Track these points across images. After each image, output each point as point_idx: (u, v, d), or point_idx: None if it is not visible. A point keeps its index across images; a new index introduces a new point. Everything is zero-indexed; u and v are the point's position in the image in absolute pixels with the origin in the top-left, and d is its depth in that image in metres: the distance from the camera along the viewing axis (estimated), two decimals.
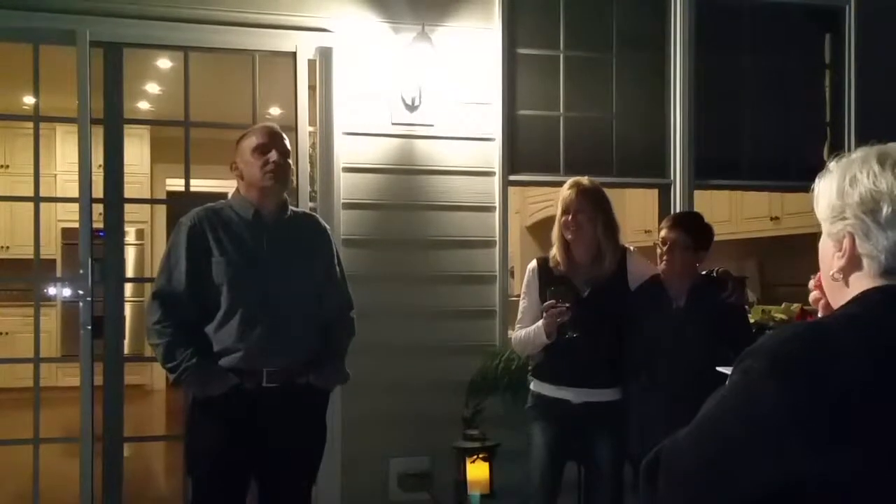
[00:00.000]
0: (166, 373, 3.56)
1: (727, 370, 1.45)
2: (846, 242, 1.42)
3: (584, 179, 4.02)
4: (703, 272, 4.04)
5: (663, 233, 3.96)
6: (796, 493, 1.29)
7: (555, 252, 4.00)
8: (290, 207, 3.73)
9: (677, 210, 5.31)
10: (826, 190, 1.48)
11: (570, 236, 3.93)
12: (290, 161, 3.64)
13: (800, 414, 1.29)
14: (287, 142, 3.63)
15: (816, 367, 1.31)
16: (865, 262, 1.41)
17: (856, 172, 1.43)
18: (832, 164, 1.48)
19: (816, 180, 1.51)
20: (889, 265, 1.39)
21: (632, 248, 4.13)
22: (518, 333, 4.07)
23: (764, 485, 1.30)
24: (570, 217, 3.91)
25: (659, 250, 3.97)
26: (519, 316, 4.11)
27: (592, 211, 3.93)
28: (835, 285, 1.47)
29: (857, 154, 1.46)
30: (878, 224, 1.38)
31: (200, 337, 3.46)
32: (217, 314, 3.45)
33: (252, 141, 3.55)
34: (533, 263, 4.13)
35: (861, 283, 1.43)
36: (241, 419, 3.43)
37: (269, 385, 3.45)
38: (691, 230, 3.96)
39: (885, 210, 1.38)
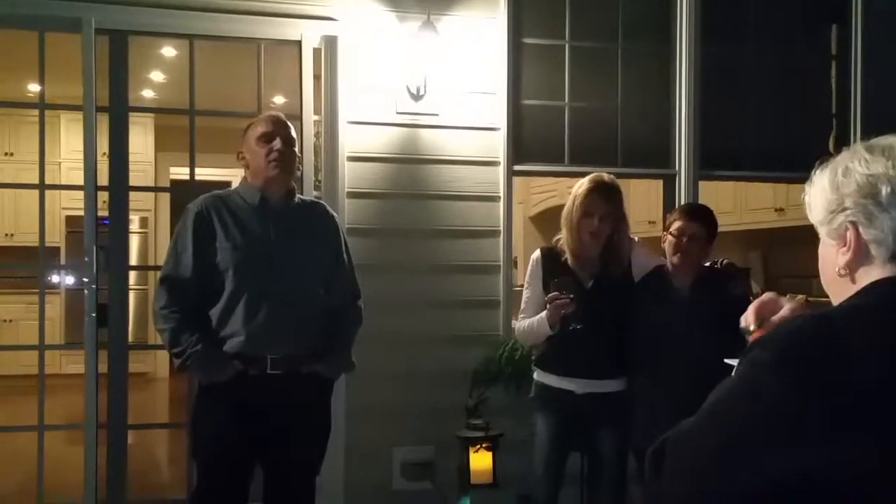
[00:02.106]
0: (170, 359, 3.58)
1: (734, 362, 1.46)
2: (850, 234, 1.42)
3: (605, 177, 3.97)
4: (707, 263, 4.05)
5: (679, 224, 3.93)
6: (802, 484, 1.29)
7: (565, 242, 3.98)
8: (298, 196, 3.74)
9: (682, 201, 5.30)
10: (819, 192, 1.48)
11: (589, 239, 3.91)
12: (297, 149, 3.66)
13: (807, 405, 1.29)
14: (292, 130, 3.65)
15: (824, 358, 1.31)
16: (874, 249, 1.40)
17: (847, 164, 1.43)
18: (817, 172, 1.49)
19: (806, 188, 1.51)
20: None
21: (636, 238, 4.12)
22: (521, 324, 4.07)
23: (769, 475, 1.30)
24: (594, 220, 3.88)
25: (671, 240, 3.94)
26: (522, 306, 4.11)
27: (614, 212, 3.92)
28: (839, 283, 1.47)
29: (843, 153, 1.46)
30: (879, 206, 1.38)
31: (207, 323, 3.49)
32: (222, 298, 3.47)
33: (257, 130, 3.58)
34: (536, 253, 4.13)
35: (869, 275, 1.42)
36: (247, 406, 3.45)
37: (273, 372, 3.47)
38: (707, 222, 3.96)
39: (885, 191, 1.38)
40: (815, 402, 1.29)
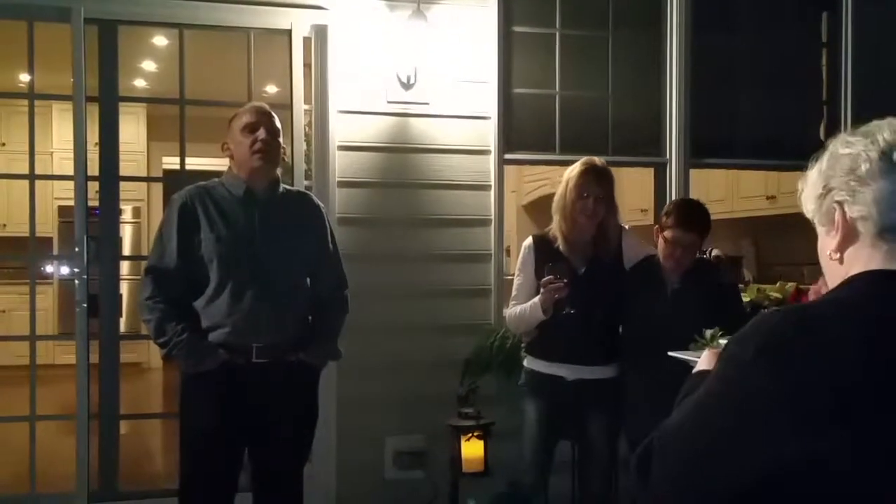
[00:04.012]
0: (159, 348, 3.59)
1: (682, 355, 1.46)
2: (837, 215, 1.42)
3: (598, 161, 4.01)
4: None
5: (674, 234, 3.90)
6: (790, 477, 1.29)
7: (558, 228, 3.99)
8: (284, 186, 3.74)
9: (673, 189, 5.31)
10: (809, 184, 1.50)
11: (585, 221, 3.93)
12: (281, 140, 3.66)
13: (787, 398, 1.29)
14: (277, 121, 3.64)
15: (802, 350, 1.32)
16: (860, 226, 1.40)
17: (831, 150, 1.45)
18: (809, 165, 1.50)
19: (799, 186, 1.52)
20: (884, 221, 1.38)
21: (626, 227, 4.14)
22: (513, 310, 4.08)
23: (758, 469, 1.30)
24: (589, 201, 3.90)
25: (665, 246, 3.94)
26: (514, 293, 4.12)
27: (608, 195, 3.94)
28: (832, 267, 1.47)
29: (830, 142, 1.48)
30: (860, 180, 1.39)
31: (192, 313, 3.50)
32: (207, 289, 3.48)
33: (241, 121, 3.59)
34: (529, 241, 4.14)
35: (857, 255, 1.42)
36: (232, 395, 3.45)
37: (258, 361, 3.48)
38: (702, 228, 3.95)
39: (864, 166, 1.39)
40: (797, 393, 1.29)
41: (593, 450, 4.01)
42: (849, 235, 1.42)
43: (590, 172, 3.94)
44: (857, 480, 1.29)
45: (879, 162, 1.37)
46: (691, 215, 4.01)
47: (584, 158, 4.03)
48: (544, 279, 3.82)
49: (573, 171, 3.98)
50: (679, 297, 3.95)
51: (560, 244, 3.99)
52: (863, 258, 1.41)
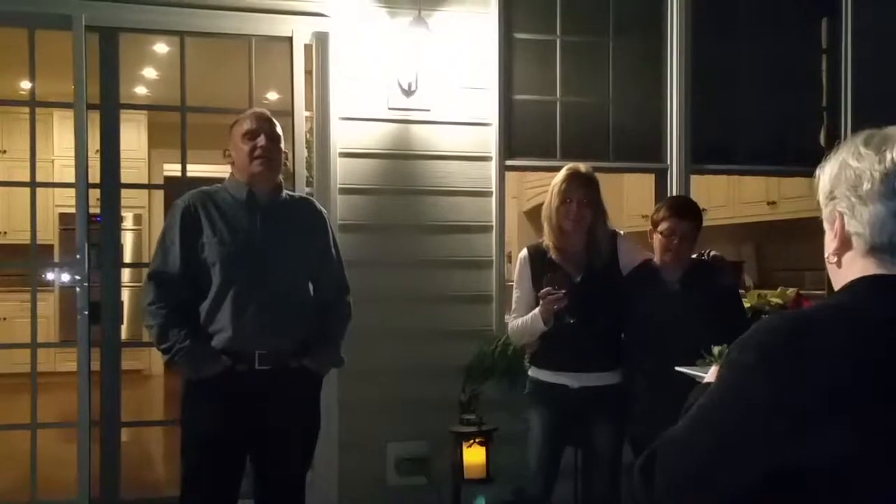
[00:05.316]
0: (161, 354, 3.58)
1: (689, 371, 1.46)
2: (837, 223, 1.45)
3: (581, 166, 4.02)
4: (694, 255, 4.07)
5: (669, 224, 3.93)
6: (792, 481, 1.30)
7: (547, 236, 4.00)
8: (286, 192, 3.74)
9: (674, 195, 5.30)
10: (823, 177, 1.51)
11: (570, 227, 3.93)
12: (283, 146, 3.66)
13: (788, 401, 1.31)
14: (277, 127, 3.64)
15: (802, 354, 1.33)
16: (854, 240, 1.43)
17: (844, 155, 1.46)
18: (831, 155, 1.51)
19: (817, 171, 1.54)
20: (873, 241, 1.41)
21: (621, 232, 4.14)
22: (514, 323, 4.07)
23: (761, 473, 1.31)
24: (573, 206, 3.91)
25: (661, 240, 3.95)
26: (513, 306, 4.12)
27: (592, 200, 3.94)
28: (832, 269, 1.50)
29: (851, 138, 1.49)
30: (860, 199, 1.41)
31: (195, 318, 3.49)
32: (210, 294, 3.48)
33: (242, 127, 3.59)
34: (524, 252, 4.14)
35: (852, 262, 1.45)
36: (234, 401, 3.45)
37: (261, 367, 3.48)
38: (695, 218, 3.98)
39: (866, 185, 1.40)
40: (798, 397, 1.30)
41: (598, 456, 4.00)
42: (845, 244, 1.45)
43: (572, 178, 3.94)
44: (857, 482, 1.30)
45: (880, 185, 1.39)
46: (682, 204, 4.11)
47: (567, 165, 4.04)
48: (542, 291, 3.82)
49: (557, 177, 4.00)
50: (680, 300, 3.95)
51: (552, 254, 3.99)
52: (858, 265, 1.44)
